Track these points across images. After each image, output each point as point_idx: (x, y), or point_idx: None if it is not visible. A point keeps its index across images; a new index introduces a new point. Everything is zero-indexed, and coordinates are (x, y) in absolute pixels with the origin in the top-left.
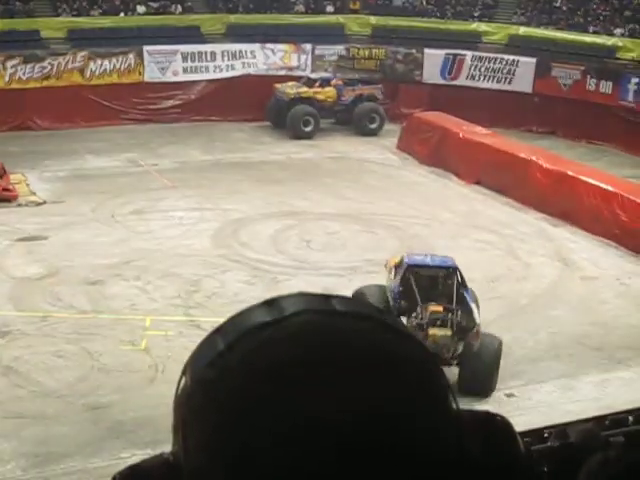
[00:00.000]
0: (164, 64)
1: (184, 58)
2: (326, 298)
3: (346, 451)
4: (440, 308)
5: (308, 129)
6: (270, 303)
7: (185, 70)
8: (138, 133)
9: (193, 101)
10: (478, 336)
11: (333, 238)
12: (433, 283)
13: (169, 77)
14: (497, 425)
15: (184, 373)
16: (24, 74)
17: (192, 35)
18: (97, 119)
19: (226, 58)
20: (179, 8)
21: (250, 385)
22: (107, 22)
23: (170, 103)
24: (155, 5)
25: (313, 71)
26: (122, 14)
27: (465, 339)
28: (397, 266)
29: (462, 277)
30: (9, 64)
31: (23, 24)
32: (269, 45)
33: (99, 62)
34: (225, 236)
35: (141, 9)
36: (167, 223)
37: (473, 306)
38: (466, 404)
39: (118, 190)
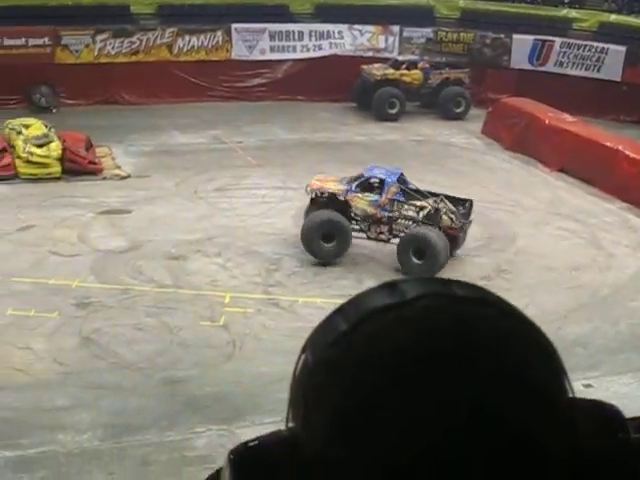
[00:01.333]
0: (252, 42)
1: (272, 37)
2: (446, 283)
3: (472, 441)
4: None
5: (393, 111)
6: (391, 286)
7: (272, 49)
8: (224, 110)
9: (279, 80)
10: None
11: None
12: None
13: (256, 55)
14: (609, 413)
15: (304, 351)
16: (113, 49)
17: (280, 14)
18: (183, 95)
19: (314, 38)
20: None
21: (375, 368)
22: None
23: (256, 81)
24: None
25: (400, 53)
26: None
27: None
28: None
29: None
30: (98, 38)
31: None
32: (357, 26)
33: (187, 38)
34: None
35: None
36: (250, 201)
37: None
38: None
39: (202, 166)
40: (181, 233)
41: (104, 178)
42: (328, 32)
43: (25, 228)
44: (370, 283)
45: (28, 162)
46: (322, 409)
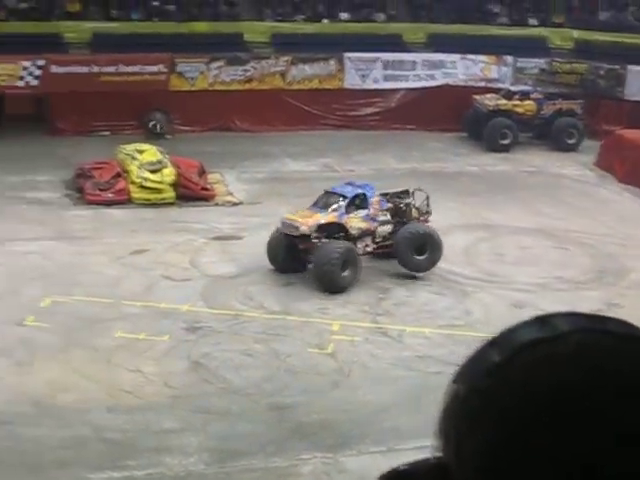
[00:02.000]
0: (364, 71)
1: (385, 66)
2: (601, 319)
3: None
4: None
5: (505, 142)
6: (542, 320)
7: (385, 78)
8: (335, 139)
9: (392, 109)
10: None
11: (525, 253)
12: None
13: (369, 84)
14: None
15: (455, 381)
16: (227, 76)
17: (393, 43)
18: (296, 123)
19: (426, 67)
20: (382, 16)
21: (531, 401)
22: (310, 28)
23: (369, 110)
24: (358, 12)
25: (513, 84)
26: (325, 20)
27: None
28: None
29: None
30: (213, 66)
31: (228, 27)
32: (470, 56)
33: (300, 67)
34: None
35: (344, 16)
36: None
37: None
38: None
39: (313, 194)
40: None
41: (216, 204)
42: (441, 62)
43: (138, 252)
44: (478, 315)
45: (142, 187)
46: (474, 438)
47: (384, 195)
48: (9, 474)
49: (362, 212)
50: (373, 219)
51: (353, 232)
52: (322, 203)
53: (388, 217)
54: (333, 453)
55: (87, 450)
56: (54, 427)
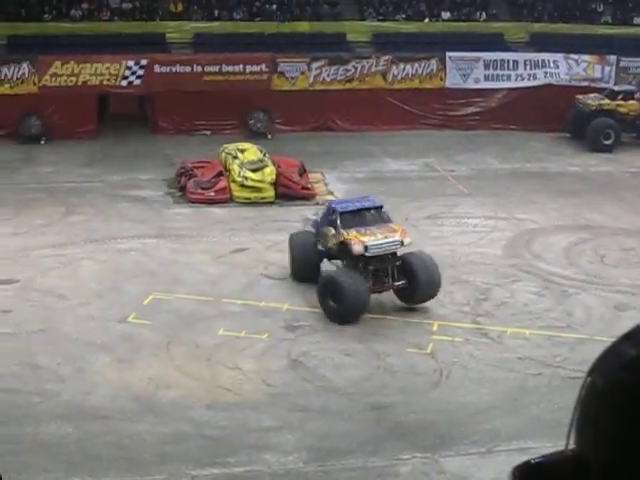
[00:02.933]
0: (466, 71)
1: (486, 65)
2: None
3: None
4: None
5: (608, 142)
6: None
7: (486, 77)
8: (436, 138)
9: (493, 109)
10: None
11: (628, 255)
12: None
13: (470, 84)
14: None
15: (590, 374)
16: (328, 76)
17: (495, 42)
18: (396, 123)
19: (528, 67)
20: (483, 15)
21: None
22: (411, 27)
23: (470, 110)
24: (459, 11)
25: (616, 83)
26: (427, 20)
27: None
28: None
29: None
30: (314, 66)
31: (330, 27)
32: (573, 55)
33: (402, 66)
34: (518, 246)
35: (446, 15)
36: (460, 229)
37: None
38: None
39: (413, 194)
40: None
41: (317, 203)
42: (543, 61)
43: (238, 251)
44: (579, 317)
45: (243, 186)
46: (615, 427)
47: None
48: (109, 469)
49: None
50: None
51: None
52: (368, 220)
53: None
54: (432, 453)
55: (187, 446)
56: (154, 423)
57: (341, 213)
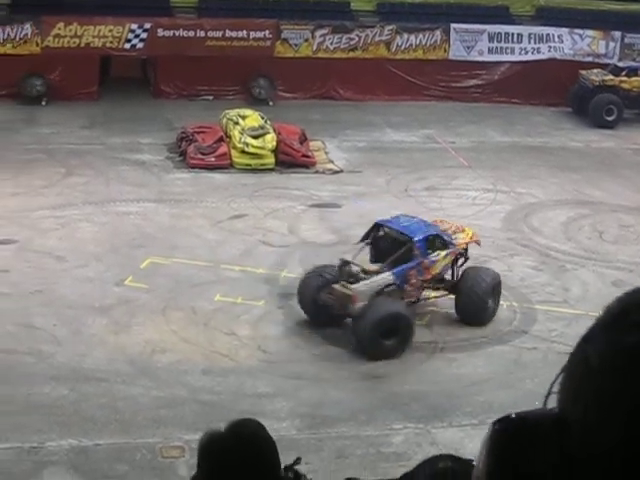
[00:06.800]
0: (470, 43)
1: (490, 38)
2: None
3: None
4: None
5: (610, 118)
6: None
7: (490, 50)
8: (438, 110)
9: (496, 82)
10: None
11: (627, 231)
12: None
13: (474, 56)
14: None
15: (584, 345)
16: (331, 44)
17: (500, 15)
18: (398, 93)
19: (533, 41)
20: None
21: None
22: None
23: (472, 82)
24: None
25: (620, 59)
26: None
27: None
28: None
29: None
30: (318, 33)
31: None
32: (577, 30)
33: (405, 37)
34: (516, 220)
35: None
36: (460, 202)
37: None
38: None
39: (413, 165)
40: None
41: (316, 172)
42: (548, 35)
43: (237, 217)
44: (576, 292)
45: (243, 152)
46: (614, 406)
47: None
48: (103, 431)
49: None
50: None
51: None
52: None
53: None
54: (424, 424)
55: (181, 411)
56: (149, 387)
57: None
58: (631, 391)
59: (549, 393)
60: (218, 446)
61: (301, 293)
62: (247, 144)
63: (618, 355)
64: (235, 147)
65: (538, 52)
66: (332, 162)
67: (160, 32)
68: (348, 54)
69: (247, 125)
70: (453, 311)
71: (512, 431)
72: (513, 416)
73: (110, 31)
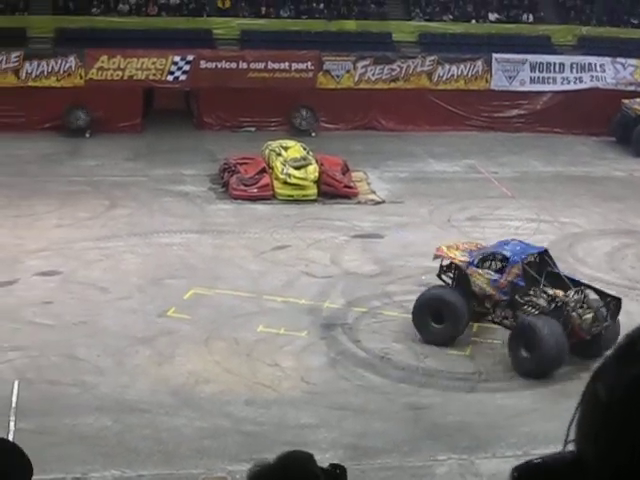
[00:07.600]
0: (512, 72)
1: (532, 68)
2: None
3: None
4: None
5: None
6: None
7: (532, 80)
8: (480, 140)
9: (538, 112)
10: None
11: None
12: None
13: (516, 86)
14: None
15: (594, 381)
16: (373, 75)
17: (542, 45)
18: (440, 124)
19: (575, 70)
20: (530, 17)
21: None
22: (458, 28)
23: (515, 112)
24: (506, 13)
25: None
26: (473, 21)
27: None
28: (489, 259)
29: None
30: (360, 64)
31: (376, 26)
32: (620, 59)
33: (447, 67)
34: (560, 249)
35: (492, 17)
36: (502, 232)
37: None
38: None
39: (456, 195)
40: (432, 261)
41: (359, 202)
42: (590, 65)
43: (280, 248)
44: (621, 320)
45: (285, 183)
46: (621, 437)
47: (580, 284)
48: (147, 462)
49: (493, 275)
50: (501, 289)
51: (475, 289)
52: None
53: (543, 302)
54: (468, 455)
55: (224, 441)
56: (192, 417)
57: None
58: (636, 421)
59: (567, 436)
60: (266, 479)
61: None
62: (289, 175)
63: (624, 386)
64: (277, 178)
65: (580, 81)
66: (374, 193)
67: (203, 64)
68: (390, 85)
69: (289, 156)
70: (497, 341)
71: (529, 478)
72: (532, 462)
73: (153, 63)
